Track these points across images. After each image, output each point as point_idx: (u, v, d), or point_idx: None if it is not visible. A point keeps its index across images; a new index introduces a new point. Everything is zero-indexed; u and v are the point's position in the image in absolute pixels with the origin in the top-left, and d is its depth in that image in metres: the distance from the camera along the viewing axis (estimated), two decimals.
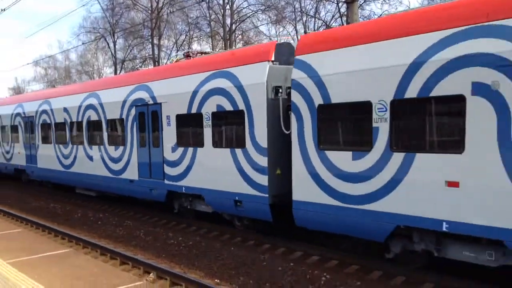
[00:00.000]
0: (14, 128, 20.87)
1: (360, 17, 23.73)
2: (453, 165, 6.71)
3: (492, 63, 6.27)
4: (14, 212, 14.49)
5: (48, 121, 17.98)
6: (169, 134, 11.99)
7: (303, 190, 8.73)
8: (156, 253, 10.25)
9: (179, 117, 11.70)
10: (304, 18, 37.13)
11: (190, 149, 11.44)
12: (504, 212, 6.28)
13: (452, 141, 6.76)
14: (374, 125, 7.61)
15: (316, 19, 34.71)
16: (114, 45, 50.91)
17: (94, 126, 15.10)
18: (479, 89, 6.41)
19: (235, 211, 10.60)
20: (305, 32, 31.20)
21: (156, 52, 46.18)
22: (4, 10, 24.57)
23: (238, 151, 10.10)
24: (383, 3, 38.65)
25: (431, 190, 6.95)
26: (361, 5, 28.14)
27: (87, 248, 10.54)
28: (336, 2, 30.66)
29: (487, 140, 6.38)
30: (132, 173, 13.41)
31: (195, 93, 11.15)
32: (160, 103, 12.25)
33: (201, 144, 11.04)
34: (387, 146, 7.45)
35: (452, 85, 6.63)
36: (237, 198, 10.22)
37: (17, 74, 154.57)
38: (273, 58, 9.67)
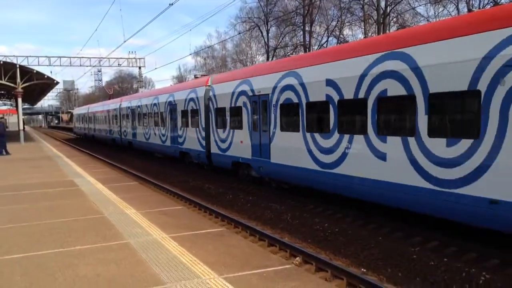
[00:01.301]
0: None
1: None
2: None
3: None
4: (176, 190, 15.96)
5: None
6: None
7: None
8: (303, 237, 10.42)
9: None
10: None
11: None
12: None
13: None
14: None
15: None
16: (267, 33, 52.70)
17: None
18: None
19: None
20: (469, 10, 28.46)
21: (307, 39, 46.57)
22: (172, 4, 26.91)
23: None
24: None
25: None
26: None
27: (238, 228, 11.16)
28: None
29: None
30: None
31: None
32: None
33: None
34: None
35: None
36: None
37: (180, 63, 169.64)
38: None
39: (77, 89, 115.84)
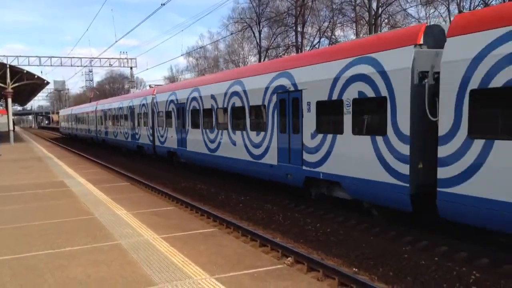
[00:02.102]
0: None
1: None
2: None
3: None
4: (168, 191, 15.91)
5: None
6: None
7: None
8: (294, 237, 10.42)
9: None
10: None
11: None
12: None
13: None
14: None
15: None
16: (260, 34, 52.71)
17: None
18: None
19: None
20: (459, 12, 28.66)
21: (299, 39, 46.64)
22: (164, 4, 26.84)
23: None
24: None
25: None
26: None
27: (230, 228, 11.14)
28: None
29: None
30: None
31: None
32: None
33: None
34: None
35: None
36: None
37: (172, 64, 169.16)
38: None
39: (68, 89, 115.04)
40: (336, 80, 11.17)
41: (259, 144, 14.66)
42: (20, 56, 50.96)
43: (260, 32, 52.14)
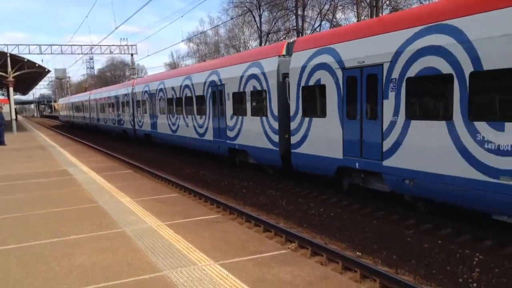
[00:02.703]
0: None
1: None
2: None
3: None
4: (171, 178, 15.94)
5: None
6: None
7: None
8: (298, 222, 10.46)
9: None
10: None
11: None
12: None
13: None
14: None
15: None
16: (260, 18, 52.30)
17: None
18: None
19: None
20: None
21: (300, 23, 46.20)
22: None
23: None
24: None
25: None
26: None
27: (233, 214, 11.18)
28: None
29: None
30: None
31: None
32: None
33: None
34: None
35: None
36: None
37: (173, 50, 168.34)
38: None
39: (69, 77, 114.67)
40: (241, 78, 15.70)
41: (202, 125, 19.24)
42: (20, 44, 50.49)
43: (260, 16, 51.72)
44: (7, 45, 47.82)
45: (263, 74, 14.34)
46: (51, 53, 55.33)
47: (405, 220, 9.94)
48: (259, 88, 14.63)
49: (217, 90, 17.50)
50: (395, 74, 9.49)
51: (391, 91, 9.60)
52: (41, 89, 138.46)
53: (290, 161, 13.45)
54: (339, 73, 11.10)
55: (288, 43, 14.34)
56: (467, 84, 8.09)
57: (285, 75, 13.52)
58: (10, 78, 39.42)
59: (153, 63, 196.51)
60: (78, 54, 58.40)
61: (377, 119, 10.03)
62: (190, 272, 6.09)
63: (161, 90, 24.16)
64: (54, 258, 6.89)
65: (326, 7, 45.25)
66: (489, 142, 7.73)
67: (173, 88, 22.31)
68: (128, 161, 21.04)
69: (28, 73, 43.18)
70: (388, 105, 9.69)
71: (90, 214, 9.65)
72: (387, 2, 40.48)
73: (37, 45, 52.86)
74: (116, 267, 6.40)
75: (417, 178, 9.14)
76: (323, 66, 11.67)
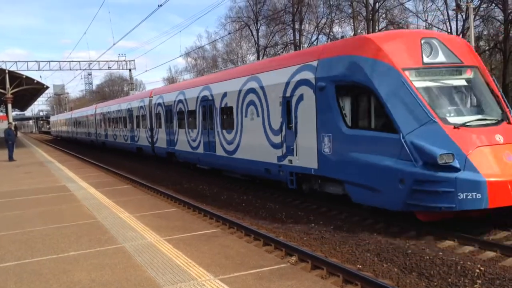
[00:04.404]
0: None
1: None
2: None
3: None
4: (170, 193, 15.90)
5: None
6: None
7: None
8: (298, 236, 10.40)
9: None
10: None
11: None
12: None
13: None
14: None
15: None
16: (257, 33, 52.62)
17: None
18: None
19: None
20: (457, 5, 28.63)
21: (297, 37, 46.48)
22: (161, 5, 26.83)
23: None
24: None
25: None
26: None
27: (233, 228, 11.13)
28: None
29: None
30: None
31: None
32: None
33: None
34: None
35: None
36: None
37: (171, 64, 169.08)
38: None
39: (68, 93, 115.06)
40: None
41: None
42: (19, 61, 51.21)
43: (257, 30, 52.11)
44: (5, 61, 48.03)
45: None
46: (50, 69, 55.36)
47: (405, 232, 9.90)
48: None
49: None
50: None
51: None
52: (40, 105, 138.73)
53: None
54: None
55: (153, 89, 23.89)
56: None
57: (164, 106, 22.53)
58: (9, 95, 39.50)
59: (151, 78, 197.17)
60: (77, 70, 58.77)
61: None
62: None
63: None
64: (53, 275, 6.85)
65: (323, 21, 45.68)
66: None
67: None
68: (126, 175, 21.01)
69: (27, 90, 43.34)
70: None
71: (89, 230, 9.61)
72: (383, 15, 40.89)
73: (36, 61, 53.17)
74: (115, 284, 6.36)
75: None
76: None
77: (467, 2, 27.34)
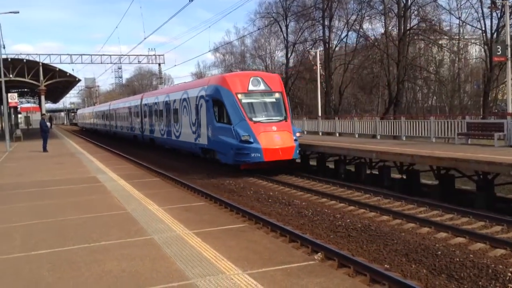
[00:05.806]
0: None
1: None
2: None
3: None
4: (198, 187, 16.06)
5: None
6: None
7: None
8: (324, 233, 10.39)
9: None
10: None
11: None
12: None
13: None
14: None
15: None
16: (286, 29, 52.37)
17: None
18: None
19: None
20: (492, 2, 27.95)
21: (326, 33, 46.04)
22: (192, 0, 26.97)
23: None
24: None
25: None
26: None
27: (259, 224, 11.18)
28: None
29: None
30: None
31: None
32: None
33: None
34: None
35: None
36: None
37: (200, 60, 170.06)
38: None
39: (98, 86, 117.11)
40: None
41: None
42: (52, 54, 52.37)
43: (287, 26, 51.88)
44: (39, 54, 49.24)
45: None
46: (82, 63, 56.53)
47: (435, 233, 9.77)
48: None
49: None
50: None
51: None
52: (71, 97, 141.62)
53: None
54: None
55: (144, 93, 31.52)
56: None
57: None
58: (42, 87, 40.51)
59: (180, 72, 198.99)
60: (108, 63, 59.71)
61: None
62: (219, 281, 6.10)
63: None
64: (85, 264, 7.01)
65: (353, 17, 45.12)
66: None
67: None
68: (155, 169, 21.30)
69: (59, 82, 44.35)
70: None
71: (119, 220, 9.79)
72: (415, 12, 40.10)
73: (68, 54, 54.36)
74: (145, 274, 6.47)
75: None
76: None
77: (502, 0, 26.58)
